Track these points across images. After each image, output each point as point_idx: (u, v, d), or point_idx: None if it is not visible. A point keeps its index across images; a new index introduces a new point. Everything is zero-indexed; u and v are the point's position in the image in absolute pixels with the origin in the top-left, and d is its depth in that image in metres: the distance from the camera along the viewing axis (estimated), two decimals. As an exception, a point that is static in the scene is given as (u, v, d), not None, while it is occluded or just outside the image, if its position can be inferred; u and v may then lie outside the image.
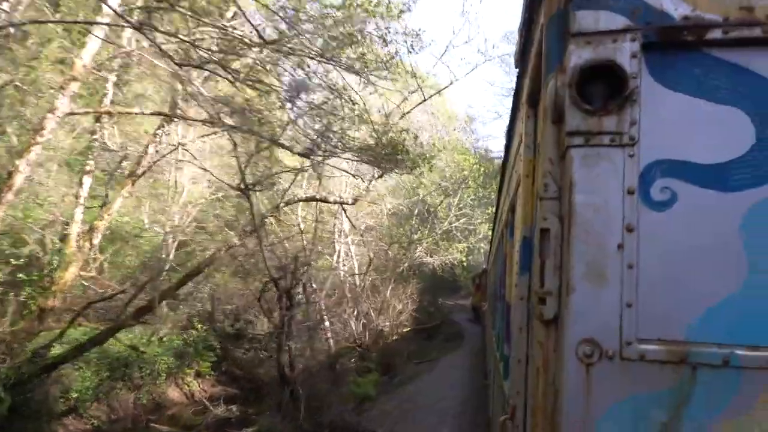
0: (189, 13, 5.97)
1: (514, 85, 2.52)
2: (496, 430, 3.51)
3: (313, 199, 11.23)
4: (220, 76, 6.89)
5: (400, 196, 21.45)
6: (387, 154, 9.01)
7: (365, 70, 7.36)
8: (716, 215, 1.24)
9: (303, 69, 7.07)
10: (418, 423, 9.49)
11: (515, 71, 2.43)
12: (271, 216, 10.53)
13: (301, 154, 8.27)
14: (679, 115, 1.27)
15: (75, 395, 9.86)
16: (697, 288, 1.23)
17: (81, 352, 8.73)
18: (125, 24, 6.22)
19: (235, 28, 6.78)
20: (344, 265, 17.96)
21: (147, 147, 9.25)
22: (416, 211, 20.59)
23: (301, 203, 13.28)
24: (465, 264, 24.31)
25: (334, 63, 6.93)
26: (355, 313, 17.16)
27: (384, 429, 9.08)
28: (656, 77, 1.30)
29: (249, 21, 6.65)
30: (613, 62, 1.28)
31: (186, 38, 6.07)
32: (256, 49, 6.79)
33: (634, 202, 1.27)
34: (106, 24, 7.06)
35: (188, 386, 13.21)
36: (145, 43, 7.38)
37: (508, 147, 3.48)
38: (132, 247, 13.51)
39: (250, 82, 6.84)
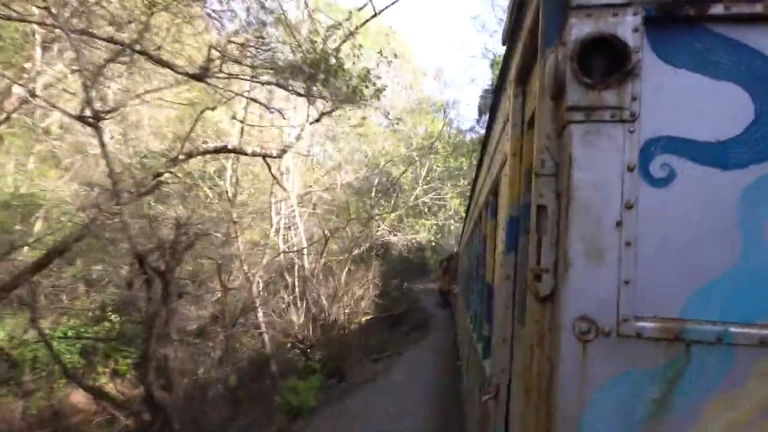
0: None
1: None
2: (472, 412, 3.55)
3: (222, 150, 7.88)
4: None
5: (360, 167, 18.09)
6: (314, 72, 7.23)
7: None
8: (714, 192, 1.27)
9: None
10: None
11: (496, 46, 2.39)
12: (168, 173, 7.30)
13: (188, 75, 5.37)
14: (679, 91, 1.29)
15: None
16: (693, 265, 1.27)
17: None
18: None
19: None
20: (287, 242, 16.51)
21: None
22: (376, 182, 17.34)
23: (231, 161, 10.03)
24: (434, 244, 21.14)
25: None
26: (299, 301, 15.53)
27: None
28: (657, 52, 1.32)
29: None
30: (615, 36, 1.28)
31: None
32: None
33: (633, 179, 1.29)
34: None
35: (100, 389, 11.30)
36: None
37: (490, 127, 3.50)
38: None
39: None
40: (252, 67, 6.80)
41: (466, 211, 8.46)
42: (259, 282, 13.42)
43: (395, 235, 19.20)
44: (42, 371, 10.62)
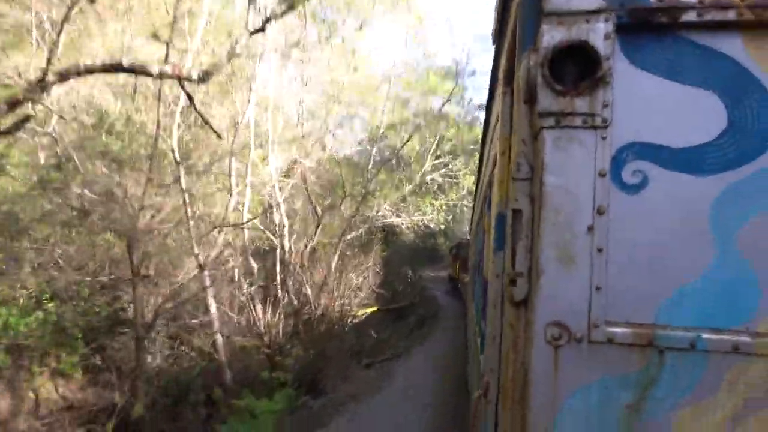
0: None
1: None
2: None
3: (114, 68, 4.70)
4: None
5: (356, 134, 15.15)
6: None
7: None
8: (686, 199, 1.35)
9: None
10: None
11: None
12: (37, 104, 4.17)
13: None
14: (652, 98, 1.37)
15: None
16: (665, 272, 1.35)
17: None
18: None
19: None
20: (272, 223, 14.11)
21: None
22: (374, 150, 14.23)
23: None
24: (445, 226, 17.98)
25: None
26: (280, 290, 13.23)
27: None
28: (630, 59, 1.38)
29: None
30: (586, 43, 1.34)
31: None
32: None
33: (605, 185, 1.36)
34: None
35: (35, 392, 9.49)
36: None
37: (486, 122, 3.70)
38: None
39: None
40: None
41: (474, 197, 8.37)
42: (234, 270, 10.52)
43: (399, 216, 16.07)
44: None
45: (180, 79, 6.50)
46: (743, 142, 1.31)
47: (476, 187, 6.83)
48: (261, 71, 12.45)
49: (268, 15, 6.54)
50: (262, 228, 13.00)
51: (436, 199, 18.30)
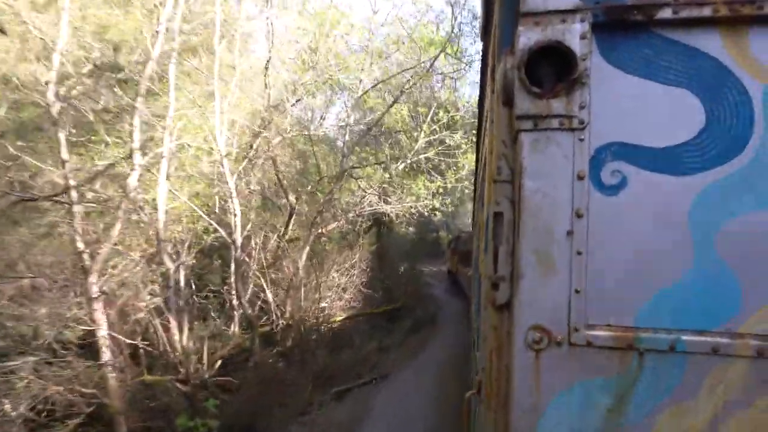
0: None
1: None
2: None
3: None
4: None
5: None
6: None
7: None
8: (666, 199, 1.38)
9: None
10: None
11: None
12: None
13: None
14: (629, 98, 1.39)
15: None
16: (645, 274, 1.38)
17: None
18: None
19: None
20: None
21: None
22: (352, 119, 10.97)
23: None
24: (442, 214, 17.56)
25: None
26: (239, 292, 9.73)
27: None
28: (607, 58, 1.39)
29: None
30: (562, 44, 1.35)
31: None
32: None
33: (583, 187, 1.39)
34: None
35: None
36: None
37: (480, 119, 3.67)
38: None
39: None
40: None
41: (474, 191, 7.53)
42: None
43: (387, 202, 13.00)
44: None
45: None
46: (722, 140, 1.34)
47: (474, 183, 6.72)
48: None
49: None
50: (205, 216, 9.88)
51: (431, 182, 15.13)
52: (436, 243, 27.83)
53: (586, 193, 1.33)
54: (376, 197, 14.26)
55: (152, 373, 8.30)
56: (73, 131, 9.00)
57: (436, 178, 15.58)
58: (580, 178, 1.32)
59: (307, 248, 11.97)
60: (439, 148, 15.19)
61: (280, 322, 11.04)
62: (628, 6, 1.32)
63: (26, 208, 8.49)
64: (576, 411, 1.31)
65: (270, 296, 11.07)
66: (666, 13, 1.30)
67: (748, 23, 1.29)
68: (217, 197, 11.07)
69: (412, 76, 13.72)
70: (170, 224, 10.16)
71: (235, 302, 10.94)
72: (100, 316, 7.81)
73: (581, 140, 1.32)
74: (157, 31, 8.29)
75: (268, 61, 10.92)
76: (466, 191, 19.56)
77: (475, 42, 18.31)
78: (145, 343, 8.45)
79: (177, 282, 10.11)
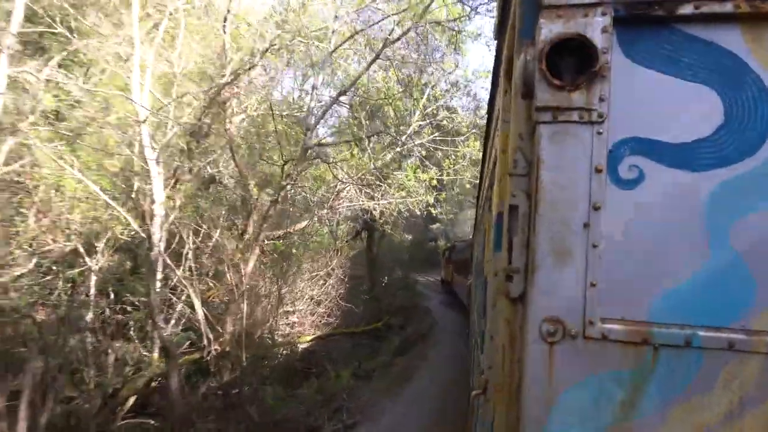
0: None
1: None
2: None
3: None
4: None
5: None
6: None
7: None
8: (682, 195, 1.42)
9: None
10: None
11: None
12: None
13: None
14: (649, 93, 1.43)
15: None
16: (661, 268, 1.43)
17: None
18: None
19: None
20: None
21: None
22: (320, 81, 8.31)
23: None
24: (436, 210, 14.21)
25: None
26: None
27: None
28: (627, 53, 1.43)
29: None
30: (584, 37, 1.40)
31: None
32: None
33: (601, 181, 1.43)
34: None
35: None
36: None
37: (489, 121, 3.63)
38: None
39: None
40: None
41: (477, 198, 7.55)
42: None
43: (371, 197, 10.73)
44: None
45: None
46: (740, 137, 1.37)
47: (479, 189, 6.60)
48: None
49: None
50: (102, 195, 7.39)
51: (424, 172, 12.77)
52: (434, 252, 27.57)
53: (604, 187, 1.37)
54: (356, 191, 11.34)
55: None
56: None
57: (431, 168, 12.59)
58: (598, 171, 1.36)
59: (257, 250, 9.54)
60: (437, 133, 12.54)
61: (212, 348, 8.33)
62: (649, 1, 1.36)
63: None
64: (589, 404, 1.34)
65: (200, 312, 8.35)
66: (687, 9, 1.34)
67: None
68: (136, 179, 8.21)
69: (399, 24, 10.27)
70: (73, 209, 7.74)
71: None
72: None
73: (600, 134, 1.36)
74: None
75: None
76: (467, 186, 15.64)
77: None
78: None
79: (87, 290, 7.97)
